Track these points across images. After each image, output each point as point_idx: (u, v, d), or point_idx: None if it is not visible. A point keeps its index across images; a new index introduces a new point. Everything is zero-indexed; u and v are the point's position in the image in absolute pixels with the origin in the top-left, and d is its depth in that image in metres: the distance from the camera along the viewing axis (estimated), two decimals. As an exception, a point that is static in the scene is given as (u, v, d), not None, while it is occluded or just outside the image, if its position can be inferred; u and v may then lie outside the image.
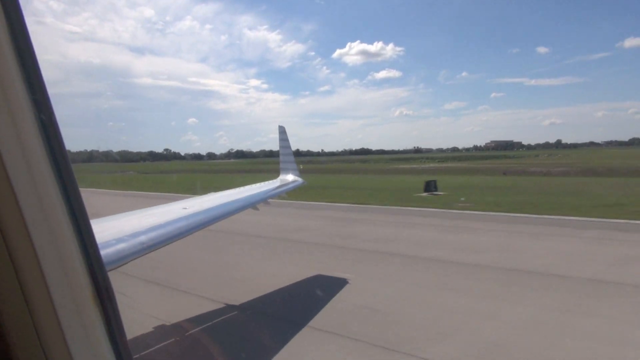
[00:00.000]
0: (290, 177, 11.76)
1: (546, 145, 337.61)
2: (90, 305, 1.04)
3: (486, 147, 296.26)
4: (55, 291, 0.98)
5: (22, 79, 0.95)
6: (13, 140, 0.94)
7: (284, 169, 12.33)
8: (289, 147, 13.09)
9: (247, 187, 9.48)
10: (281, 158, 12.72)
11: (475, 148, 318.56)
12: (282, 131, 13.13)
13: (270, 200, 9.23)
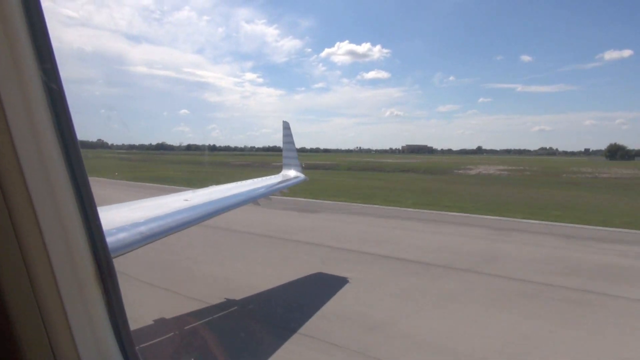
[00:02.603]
0: (292, 173, 11.74)
1: (463, 151, 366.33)
2: (92, 282, 1.08)
3: (402, 150, 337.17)
4: (58, 267, 1.00)
5: (37, 67, 0.96)
6: (26, 128, 0.95)
7: (286, 165, 12.31)
8: (293, 142, 13.05)
9: (249, 181, 9.46)
10: (284, 153, 12.70)
11: (392, 150, 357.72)
12: (286, 127, 13.10)
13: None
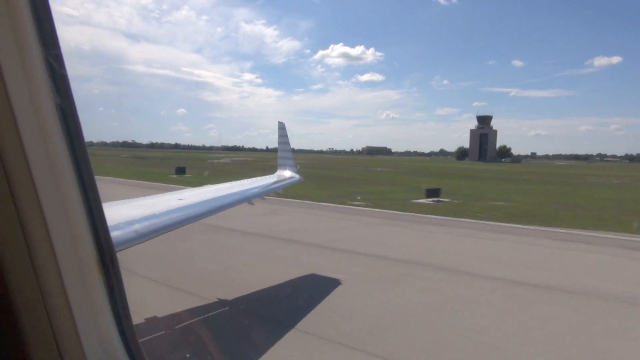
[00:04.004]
0: (287, 173, 11.78)
1: (414, 154, 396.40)
2: (95, 271, 1.09)
3: (362, 151, 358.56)
4: (61, 256, 1.02)
5: (45, 67, 0.99)
6: (34, 127, 0.98)
7: (281, 165, 12.36)
8: (288, 143, 13.10)
9: (244, 181, 9.51)
10: (279, 154, 12.74)
11: (352, 152, 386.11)
12: (281, 127, 13.15)
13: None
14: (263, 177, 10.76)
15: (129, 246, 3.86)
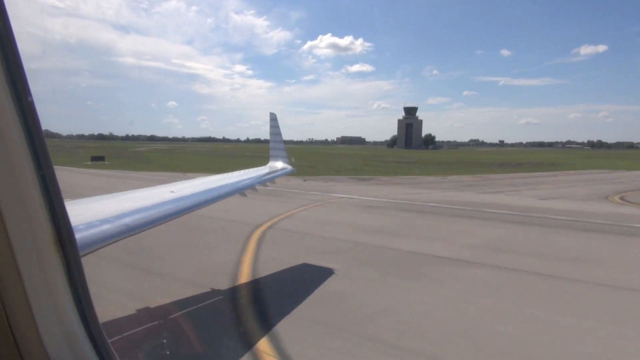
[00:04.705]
0: (279, 164, 11.75)
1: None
2: (51, 250, 1.04)
3: (337, 141, 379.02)
4: (14, 235, 0.97)
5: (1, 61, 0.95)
6: None
7: (273, 156, 12.31)
8: (280, 134, 13.04)
9: (236, 173, 9.46)
10: (271, 145, 12.69)
11: (327, 141, 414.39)
12: (273, 118, 13.07)
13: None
14: (255, 169, 10.71)
15: (119, 239, 3.83)
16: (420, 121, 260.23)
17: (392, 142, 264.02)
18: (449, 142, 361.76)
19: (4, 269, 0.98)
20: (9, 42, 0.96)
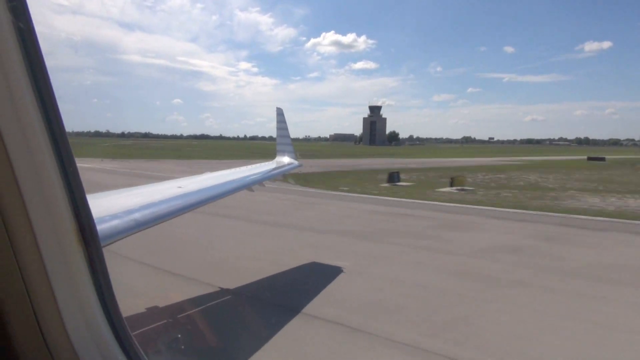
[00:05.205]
0: (286, 160, 11.73)
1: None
2: (74, 245, 1.07)
3: (330, 138, 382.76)
4: (40, 231, 1.00)
5: (23, 57, 0.96)
6: (10, 113, 0.95)
7: (280, 151, 12.29)
8: (286, 129, 13.01)
9: (243, 168, 9.45)
10: (278, 140, 12.67)
11: (320, 139, 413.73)
12: (279, 113, 13.04)
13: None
14: (262, 164, 10.70)
15: (129, 235, 3.83)
16: (384, 119, 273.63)
17: (359, 139, 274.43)
18: (419, 139, 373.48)
19: (31, 264, 1.00)
20: (32, 44, 0.97)
